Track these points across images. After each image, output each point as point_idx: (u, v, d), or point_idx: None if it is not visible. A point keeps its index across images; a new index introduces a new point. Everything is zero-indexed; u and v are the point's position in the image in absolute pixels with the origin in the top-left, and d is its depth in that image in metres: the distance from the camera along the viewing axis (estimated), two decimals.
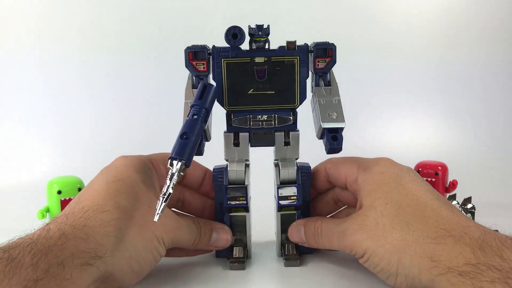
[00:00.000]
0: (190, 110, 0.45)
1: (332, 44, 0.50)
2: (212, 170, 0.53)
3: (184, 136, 0.42)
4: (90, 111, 1.06)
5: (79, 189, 0.63)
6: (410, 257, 0.41)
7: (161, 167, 0.51)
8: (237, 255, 0.52)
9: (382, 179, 0.47)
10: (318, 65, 0.50)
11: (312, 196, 0.55)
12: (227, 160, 0.52)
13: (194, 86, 0.50)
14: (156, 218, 0.40)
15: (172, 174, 0.41)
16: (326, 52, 0.50)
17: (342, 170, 0.52)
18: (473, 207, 0.63)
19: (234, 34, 0.47)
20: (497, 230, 0.42)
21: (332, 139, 0.47)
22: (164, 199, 0.41)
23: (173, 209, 0.53)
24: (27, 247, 0.36)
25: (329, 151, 0.48)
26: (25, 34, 1.06)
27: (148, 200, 0.45)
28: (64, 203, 0.62)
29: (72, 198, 0.62)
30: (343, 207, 0.55)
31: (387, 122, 1.07)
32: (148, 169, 0.49)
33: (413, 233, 0.42)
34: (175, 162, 0.41)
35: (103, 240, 0.41)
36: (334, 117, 0.49)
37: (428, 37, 1.09)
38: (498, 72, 1.08)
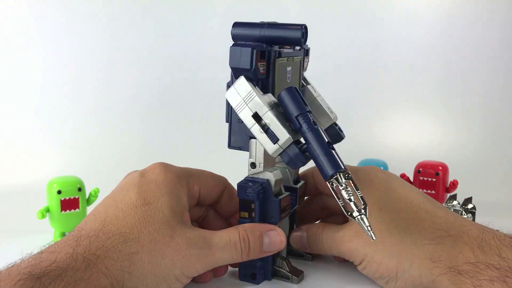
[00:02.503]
0: (301, 119, 0.41)
1: (307, 45, 0.52)
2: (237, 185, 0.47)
3: (330, 146, 0.40)
4: (90, 111, 1.06)
5: (79, 189, 0.62)
6: (409, 260, 0.41)
7: (196, 187, 0.48)
8: (290, 269, 0.48)
9: (372, 186, 0.47)
10: (305, 64, 0.52)
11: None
12: (253, 166, 0.46)
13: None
14: (373, 236, 0.38)
15: (344, 187, 0.39)
16: (308, 52, 0.52)
17: None
18: (474, 207, 0.63)
19: (303, 33, 0.44)
20: (497, 231, 0.42)
21: (340, 130, 0.52)
22: (360, 214, 0.38)
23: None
24: (57, 277, 0.36)
25: (338, 140, 0.52)
26: (25, 32, 1.06)
27: (171, 230, 0.43)
28: (64, 203, 0.62)
29: (71, 198, 0.62)
30: (330, 216, 0.54)
31: (387, 122, 1.07)
32: (181, 187, 0.46)
33: (410, 236, 0.42)
34: (339, 176, 0.39)
35: (119, 276, 0.40)
36: (332, 111, 0.52)
37: (429, 36, 1.09)
38: (498, 72, 1.08)
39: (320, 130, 0.41)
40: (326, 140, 0.40)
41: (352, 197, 0.39)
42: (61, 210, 0.61)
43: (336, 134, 0.52)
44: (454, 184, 0.67)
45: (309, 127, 0.41)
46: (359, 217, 0.38)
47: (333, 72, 1.03)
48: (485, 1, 1.07)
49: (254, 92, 0.43)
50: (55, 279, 0.36)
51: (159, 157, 0.54)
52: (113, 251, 0.40)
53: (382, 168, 0.66)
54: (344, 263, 0.51)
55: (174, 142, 1.01)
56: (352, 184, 0.39)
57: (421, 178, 0.67)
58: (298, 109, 0.41)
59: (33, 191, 0.76)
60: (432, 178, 0.67)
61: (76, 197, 0.62)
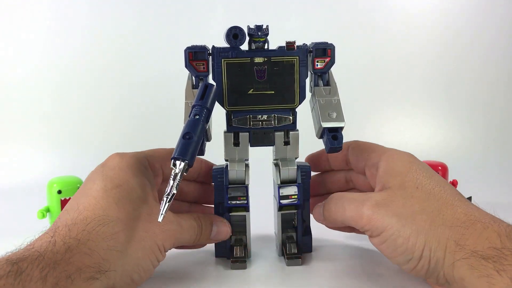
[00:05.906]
0: (191, 110, 0.45)
1: (331, 45, 0.50)
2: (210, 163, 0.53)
3: (186, 136, 0.42)
4: (90, 111, 1.07)
5: None
6: (437, 239, 0.41)
7: (157, 165, 0.51)
8: (237, 254, 0.52)
9: (411, 166, 0.46)
10: (317, 65, 0.51)
11: (324, 169, 0.56)
12: (226, 160, 0.52)
13: (194, 87, 0.50)
14: (160, 219, 0.41)
15: (176, 174, 0.41)
16: (325, 52, 0.50)
17: (364, 153, 0.51)
18: None
19: (235, 34, 0.48)
20: None
21: (333, 138, 0.48)
22: (168, 199, 0.41)
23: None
24: (35, 260, 0.37)
25: (329, 151, 0.48)
26: (25, 31, 1.07)
27: (148, 207, 0.45)
28: (64, 203, 0.62)
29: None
30: (352, 189, 0.55)
31: (387, 122, 1.07)
32: (145, 169, 0.49)
33: (442, 217, 0.42)
34: (178, 163, 0.41)
35: (107, 255, 0.41)
36: (334, 117, 0.49)
37: (429, 37, 1.09)
38: (498, 71, 1.08)
39: (194, 121, 0.43)
40: (186, 131, 0.43)
41: (171, 181, 0.41)
42: (61, 210, 0.62)
43: (325, 143, 0.48)
44: (454, 184, 0.67)
45: (190, 117, 0.45)
46: (164, 197, 0.41)
47: (332, 72, 1.03)
48: (491, 4, 1.07)
49: (186, 86, 0.50)
50: (32, 262, 0.36)
51: None
52: (95, 233, 0.41)
53: None
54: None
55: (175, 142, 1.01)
56: (179, 175, 0.41)
57: None
58: (195, 101, 0.45)
59: (33, 191, 0.76)
60: None
61: None
